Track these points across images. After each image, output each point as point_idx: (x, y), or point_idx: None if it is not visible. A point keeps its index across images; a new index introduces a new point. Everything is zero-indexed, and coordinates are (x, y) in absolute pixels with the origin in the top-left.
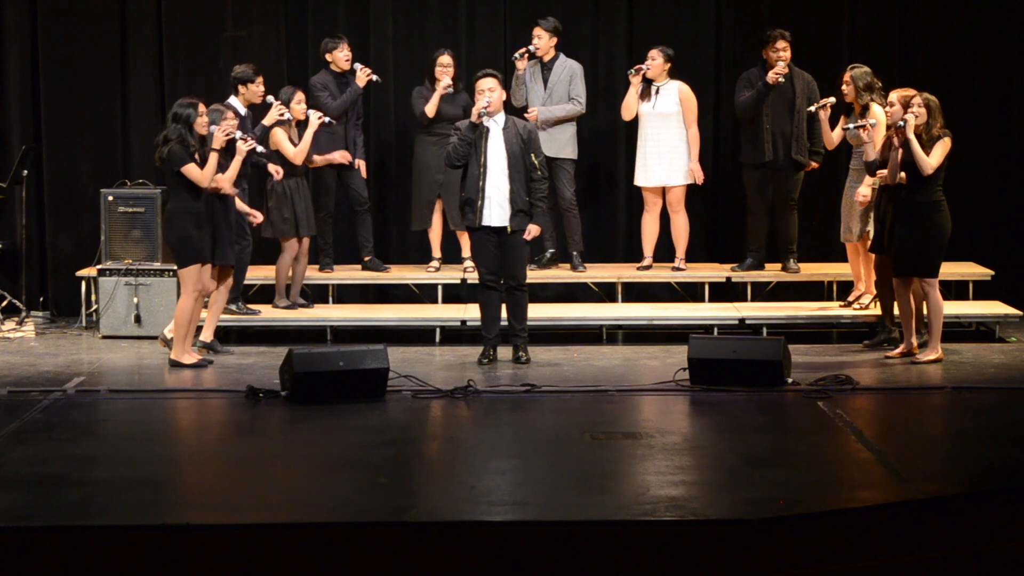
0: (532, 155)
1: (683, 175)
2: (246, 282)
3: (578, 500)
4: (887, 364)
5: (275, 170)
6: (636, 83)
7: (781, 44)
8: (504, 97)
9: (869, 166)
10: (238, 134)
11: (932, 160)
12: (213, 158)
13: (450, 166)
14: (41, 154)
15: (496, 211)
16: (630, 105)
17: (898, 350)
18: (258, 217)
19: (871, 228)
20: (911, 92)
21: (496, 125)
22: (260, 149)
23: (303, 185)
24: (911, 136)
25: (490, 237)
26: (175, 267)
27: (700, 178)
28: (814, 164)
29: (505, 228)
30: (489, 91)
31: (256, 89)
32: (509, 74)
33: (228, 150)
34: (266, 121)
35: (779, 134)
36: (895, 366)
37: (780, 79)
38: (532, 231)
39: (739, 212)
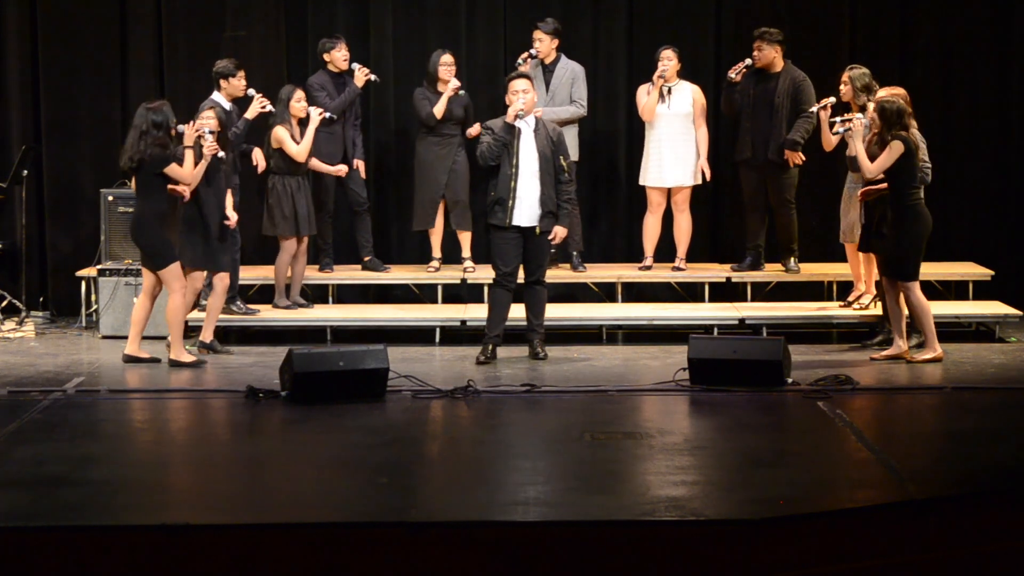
0: (561, 157)
1: (694, 175)
2: (246, 282)
3: (578, 500)
4: (886, 364)
5: (257, 159)
6: (659, 86)
7: (755, 44)
8: (535, 98)
9: (852, 163)
10: (206, 131)
11: (873, 165)
12: (189, 155)
13: (483, 165)
14: (41, 154)
15: (526, 212)
16: (651, 108)
17: (886, 352)
18: (231, 220)
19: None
20: (899, 91)
21: (527, 127)
22: (221, 155)
23: (305, 184)
24: (856, 141)
25: (515, 237)
26: None
27: (708, 175)
28: (794, 158)
29: (533, 228)
30: (523, 92)
31: (238, 83)
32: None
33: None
34: (248, 114)
35: (758, 132)
36: (893, 366)
37: (732, 75)
38: (559, 233)
39: (739, 213)
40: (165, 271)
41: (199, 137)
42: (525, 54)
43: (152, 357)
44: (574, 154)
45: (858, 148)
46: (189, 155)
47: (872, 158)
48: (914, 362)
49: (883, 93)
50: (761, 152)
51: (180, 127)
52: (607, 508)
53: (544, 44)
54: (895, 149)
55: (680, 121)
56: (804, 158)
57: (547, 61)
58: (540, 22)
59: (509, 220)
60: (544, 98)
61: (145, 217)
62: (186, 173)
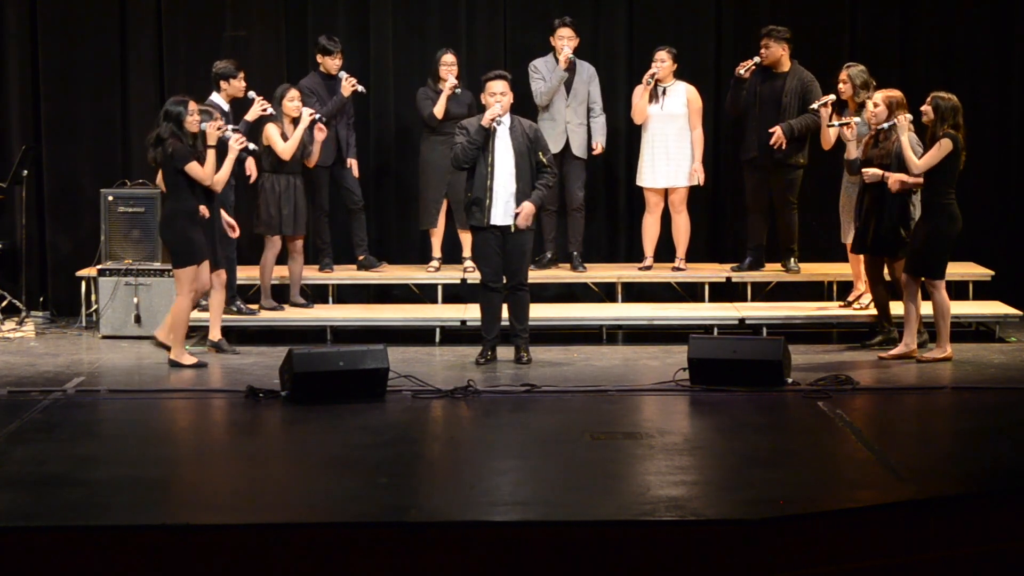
0: (540, 153)
1: (688, 176)
2: (246, 282)
3: (578, 500)
4: (887, 364)
5: (250, 168)
6: (648, 87)
7: (763, 41)
8: (512, 100)
9: (850, 165)
10: (230, 131)
11: (920, 162)
12: (211, 155)
13: (457, 167)
14: (41, 154)
15: (502, 210)
16: (642, 109)
17: (894, 351)
18: (235, 230)
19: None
20: (896, 93)
21: (503, 125)
22: (252, 147)
23: (295, 183)
24: (902, 137)
25: (494, 236)
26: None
27: (702, 179)
28: (780, 141)
29: (509, 227)
30: (501, 95)
31: (238, 84)
32: (516, 75)
33: (219, 149)
34: (249, 116)
35: (766, 131)
36: (894, 366)
37: (741, 72)
38: (526, 209)
39: (739, 212)
40: (180, 271)
41: (222, 137)
42: (568, 51)
43: (200, 362)
44: (584, 152)
45: (904, 144)
46: (211, 155)
47: (868, 156)
48: (924, 361)
49: (879, 96)
50: (767, 151)
51: (203, 125)
52: (607, 508)
53: (574, 42)
54: (944, 147)
55: (673, 122)
56: (784, 146)
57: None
58: (565, 20)
59: (487, 220)
60: (567, 98)
61: (174, 215)
62: (206, 173)
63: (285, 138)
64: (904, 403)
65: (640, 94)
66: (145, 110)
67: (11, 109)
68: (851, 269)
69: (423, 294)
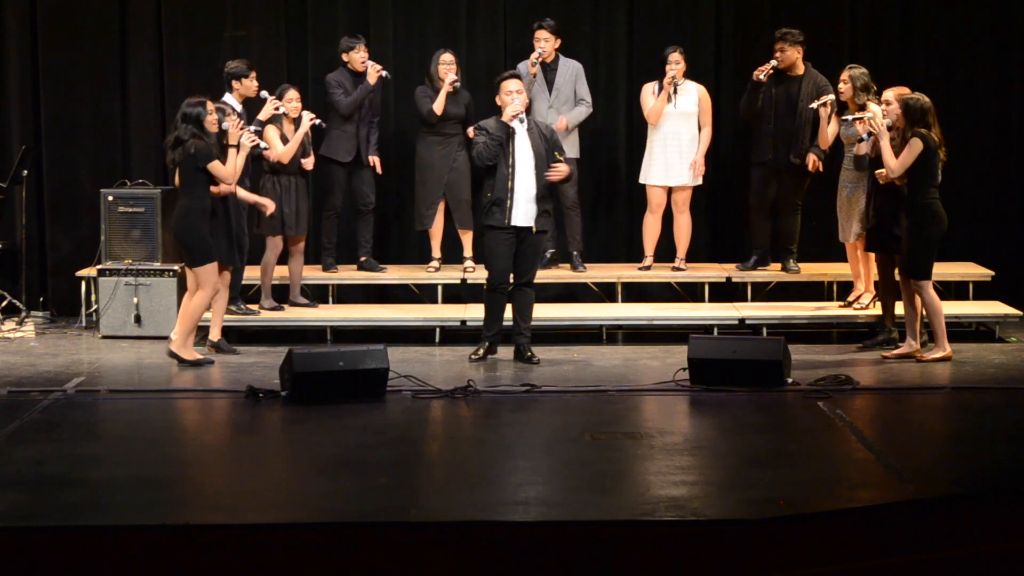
0: (556, 153)
1: (695, 176)
2: (247, 282)
3: (578, 500)
4: (887, 364)
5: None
6: (667, 91)
7: (777, 45)
8: (527, 99)
9: (859, 161)
10: (250, 131)
11: (895, 164)
12: (232, 153)
13: (481, 165)
14: (41, 154)
15: (523, 211)
16: (659, 110)
17: (898, 351)
18: (269, 207)
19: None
20: (907, 91)
21: (521, 125)
22: (263, 145)
23: (297, 184)
24: (882, 141)
25: (510, 237)
26: (175, 267)
27: (702, 170)
28: (818, 164)
29: (529, 228)
30: (517, 92)
31: (250, 84)
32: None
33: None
34: (261, 116)
35: (781, 134)
36: (895, 366)
37: (761, 76)
38: (565, 169)
39: (740, 212)
40: (201, 269)
41: (243, 134)
42: (535, 55)
43: (205, 359)
44: (575, 152)
45: (884, 146)
46: (232, 154)
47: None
48: (923, 361)
49: (891, 93)
50: (783, 154)
51: (224, 124)
52: (607, 508)
53: (550, 44)
54: (914, 147)
55: (686, 121)
56: (822, 169)
57: (548, 60)
58: (542, 22)
59: (508, 220)
60: (548, 97)
61: (189, 213)
62: (228, 172)
63: (284, 140)
64: (904, 403)
65: (653, 91)
66: (145, 110)
67: (11, 109)
68: (850, 269)
69: (423, 294)
